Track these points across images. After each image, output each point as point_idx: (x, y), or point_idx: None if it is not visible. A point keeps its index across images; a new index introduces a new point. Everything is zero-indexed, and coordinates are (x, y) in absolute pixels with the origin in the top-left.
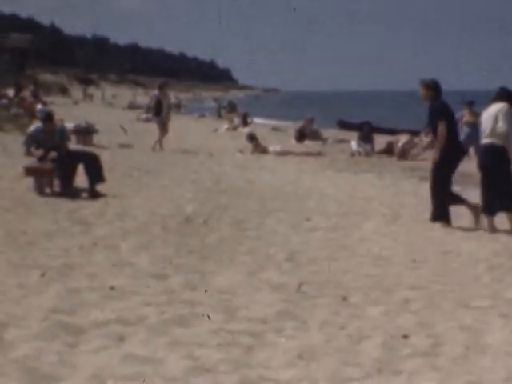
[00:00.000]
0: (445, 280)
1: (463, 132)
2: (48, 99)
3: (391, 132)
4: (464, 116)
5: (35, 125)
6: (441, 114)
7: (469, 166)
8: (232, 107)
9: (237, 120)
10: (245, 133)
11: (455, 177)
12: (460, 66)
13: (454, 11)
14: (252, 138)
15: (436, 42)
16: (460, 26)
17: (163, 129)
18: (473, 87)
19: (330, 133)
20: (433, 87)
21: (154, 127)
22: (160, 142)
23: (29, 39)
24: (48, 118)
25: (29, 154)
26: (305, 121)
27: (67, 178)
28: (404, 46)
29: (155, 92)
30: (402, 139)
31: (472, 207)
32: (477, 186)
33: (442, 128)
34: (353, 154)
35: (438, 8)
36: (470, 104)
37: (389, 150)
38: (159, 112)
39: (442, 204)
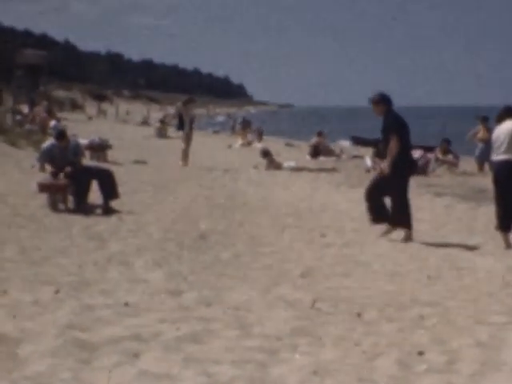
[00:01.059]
0: (460, 296)
1: (478, 148)
2: (62, 115)
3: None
4: (479, 132)
5: (49, 141)
6: (392, 129)
7: (484, 181)
8: (246, 124)
9: (251, 136)
10: (259, 149)
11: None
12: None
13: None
14: (266, 153)
15: (449, 55)
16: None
17: (187, 143)
18: (491, 102)
19: (344, 149)
20: (381, 101)
21: (167, 143)
22: (185, 156)
23: (42, 55)
24: (61, 135)
25: (42, 169)
26: (318, 137)
27: (81, 194)
28: (422, 62)
29: (178, 107)
30: (415, 155)
31: (390, 228)
32: (492, 201)
33: (393, 143)
34: (368, 170)
35: (448, 23)
36: (485, 120)
37: None
38: (182, 127)
39: (403, 212)
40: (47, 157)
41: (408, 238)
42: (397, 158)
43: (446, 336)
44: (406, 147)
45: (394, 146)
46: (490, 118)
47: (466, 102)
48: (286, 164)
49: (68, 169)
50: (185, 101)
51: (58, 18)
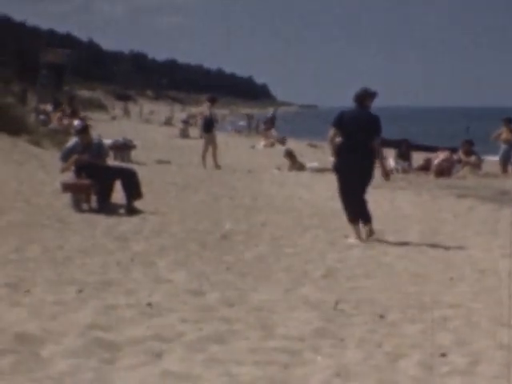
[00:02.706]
0: (482, 298)
1: (501, 149)
2: (85, 115)
3: (429, 149)
4: (502, 133)
5: (73, 140)
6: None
7: (508, 183)
8: (272, 121)
9: (274, 135)
10: (282, 149)
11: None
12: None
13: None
14: (290, 154)
15: (475, 55)
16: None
17: (214, 145)
18: None
19: None
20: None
21: (191, 143)
22: (215, 158)
23: (66, 54)
24: (83, 129)
25: (66, 169)
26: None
27: (105, 193)
28: (447, 62)
29: (204, 108)
30: (440, 156)
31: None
32: None
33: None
34: (391, 171)
35: (476, 29)
36: (509, 121)
37: (426, 167)
38: (210, 128)
39: (354, 208)
40: (70, 155)
41: (365, 234)
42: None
43: (468, 338)
44: (346, 144)
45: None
46: None
47: (490, 103)
48: (309, 165)
49: (85, 157)
50: (210, 99)
51: (83, 17)
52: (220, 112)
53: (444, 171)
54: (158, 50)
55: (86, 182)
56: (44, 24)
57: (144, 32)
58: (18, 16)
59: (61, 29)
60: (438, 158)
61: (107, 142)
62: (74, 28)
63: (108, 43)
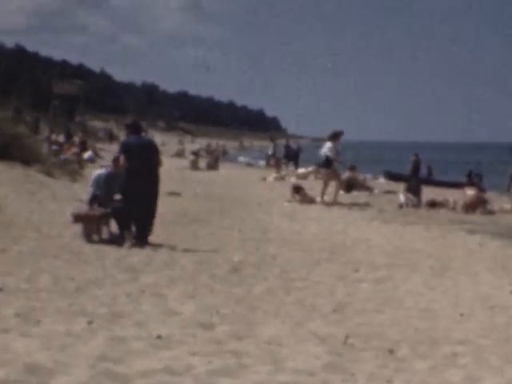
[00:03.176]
0: (492, 335)
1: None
2: (98, 146)
3: (439, 184)
4: None
5: (100, 169)
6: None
7: None
8: (296, 155)
9: (285, 169)
10: (291, 182)
11: None
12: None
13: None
14: (298, 189)
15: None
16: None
17: (338, 180)
18: None
19: (377, 183)
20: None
21: (201, 175)
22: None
23: (79, 85)
24: (116, 158)
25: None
26: (350, 171)
27: (123, 223)
28: (453, 100)
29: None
30: (468, 192)
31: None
32: None
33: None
34: (401, 206)
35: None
36: None
37: (435, 203)
38: (330, 164)
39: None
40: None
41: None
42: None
43: (478, 375)
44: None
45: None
46: None
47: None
48: (319, 198)
49: (118, 196)
50: (333, 135)
51: (95, 48)
52: (230, 144)
53: (470, 207)
54: (169, 83)
55: (96, 212)
56: (56, 54)
57: (155, 64)
58: (42, 48)
59: (73, 59)
60: (466, 193)
61: None
62: (97, 59)
63: (122, 74)
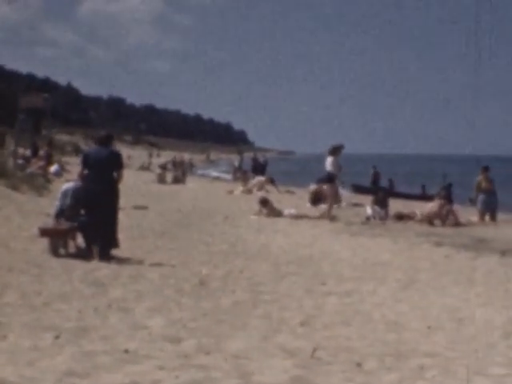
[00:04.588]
0: (460, 347)
1: (479, 198)
2: (64, 159)
3: (407, 197)
4: (481, 183)
5: (69, 183)
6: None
7: (484, 231)
8: (263, 167)
9: (252, 182)
10: (258, 196)
11: None
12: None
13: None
14: (264, 203)
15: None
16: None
17: (336, 196)
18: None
19: (344, 196)
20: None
21: (167, 189)
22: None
23: (45, 99)
24: None
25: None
26: (317, 183)
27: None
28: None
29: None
30: (432, 205)
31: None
32: (492, 251)
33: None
34: (368, 218)
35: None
36: (486, 170)
37: (402, 216)
38: (333, 179)
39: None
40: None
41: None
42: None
43: None
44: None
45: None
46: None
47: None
48: (286, 211)
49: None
50: (334, 150)
51: (61, 61)
52: (197, 157)
53: (434, 219)
54: (136, 96)
55: (63, 227)
56: (22, 68)
57: (121, 77)
58: (7, 61)
59: (39, 72)
60: (430, 206)
61: None
62: (64, 73)
63: (88, 88)
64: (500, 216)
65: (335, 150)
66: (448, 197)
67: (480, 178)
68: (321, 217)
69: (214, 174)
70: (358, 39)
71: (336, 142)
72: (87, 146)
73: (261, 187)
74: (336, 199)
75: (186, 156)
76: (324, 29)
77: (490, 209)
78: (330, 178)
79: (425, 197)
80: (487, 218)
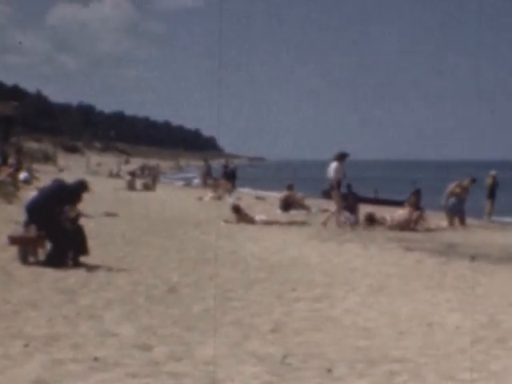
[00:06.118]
0: (430, 352)
1: (449, 202)
2: (33, 167)
3: (376, 202)
4: (455, 188)
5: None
6: None
7: (454, 236)
8: (233, 174)
9: (222, 189)
10: (230, 202)
11: None
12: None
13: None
14: (237, 209)
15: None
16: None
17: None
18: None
19: (314, 202)
20: None
21: (137, 195)
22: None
23: (13, 106)
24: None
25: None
26: (288, 190)
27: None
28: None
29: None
30: (402, 211)
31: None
32: (461, 256)
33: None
34: (338, 224)
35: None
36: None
37: (372, 220)
38: (338, 186)
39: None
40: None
41: None
42: None
43: None
44: None
45: None
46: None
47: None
48: (257, 217)
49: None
50: (340, 156)
51: (30, 69)
52: (166, 164)
53: (404, 226)
54: (105, 103)
55: (32, 235)
56: (2, 77)
57: (90, 84)
58: None
59: (8, 80)
60: (401, 213)
61: None
62: (32, 80)
63: (58, 95)
64: (469, 221)
65: (341, 157)
66: (417, 202)
67: (456, 183)
68: (324, 222)
69: (184, 180)
70: (323, 45)
71: (341, 149)
72: (56, 153)
73: (228, 191)
74: (339, 206)
75: (153, 162)
76: (292, 34)
77: (459, 212)
78: (332, 186)
79: (378, 201)
80: (456, 222)
